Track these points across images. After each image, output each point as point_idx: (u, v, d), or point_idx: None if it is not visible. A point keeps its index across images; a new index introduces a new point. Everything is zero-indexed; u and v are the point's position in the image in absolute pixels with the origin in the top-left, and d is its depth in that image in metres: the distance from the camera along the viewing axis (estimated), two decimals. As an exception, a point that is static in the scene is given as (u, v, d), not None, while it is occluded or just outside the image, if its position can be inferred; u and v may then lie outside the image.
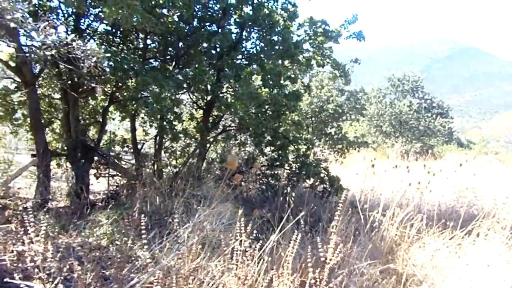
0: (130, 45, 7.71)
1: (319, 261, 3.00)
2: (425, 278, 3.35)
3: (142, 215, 3.29)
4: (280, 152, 7.20)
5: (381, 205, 4.68)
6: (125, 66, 5.75)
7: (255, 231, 3.10)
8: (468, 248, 3.76)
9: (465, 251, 3.71)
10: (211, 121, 7.61)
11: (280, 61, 7.50)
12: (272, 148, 7.42)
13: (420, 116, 27.67)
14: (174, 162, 7.55)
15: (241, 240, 2.73)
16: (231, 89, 6.83)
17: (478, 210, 6.18)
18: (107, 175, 7.81)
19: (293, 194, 3.95)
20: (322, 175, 6.63)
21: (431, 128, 27.28)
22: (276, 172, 7.32)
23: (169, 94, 5.17)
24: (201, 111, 7.71)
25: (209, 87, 6.79)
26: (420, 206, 5.75)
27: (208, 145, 7.22)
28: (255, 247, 2.76)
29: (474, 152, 33.45)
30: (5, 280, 3.07)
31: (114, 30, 7.28)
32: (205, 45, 7.37)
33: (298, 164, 6.71)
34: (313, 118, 17.09)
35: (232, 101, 6.18)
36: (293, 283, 2.58)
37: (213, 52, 7.31)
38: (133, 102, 5.86)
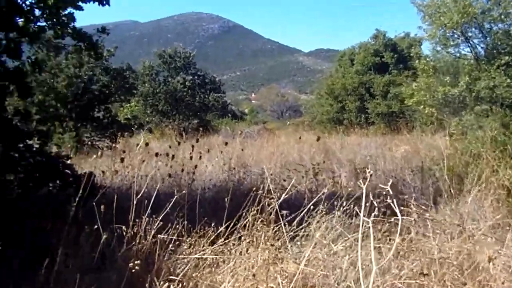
0: None
1: None
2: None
3: None
4: (8, 150, 5.39)
5: (132, 205, 3.62)
6: None
7: None
8: (234, 251, 3.09)
9: (231, 256, 3.03)
10: None
11: None
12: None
13: (194, 92, 27.99)
14: None
15: None
16: None
17: (247, 189, 5.86)
18: None
19: None
20: (64, 175, 5.20)
21: (206, 104, 27.94)
22: (6, 178, 5.49)
23: None
24: None
25: None
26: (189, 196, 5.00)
27: None
28: None
29: (246, 123, 36.33)
30: None
31: None
32: None
33: (30, 166, 5.09)
34: (75, 102, 14.93)
35: None
36: None
37: None
38: None
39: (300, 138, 11.02)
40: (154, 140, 18.54)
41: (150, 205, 3.59)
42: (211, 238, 3.34)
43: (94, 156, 7.93)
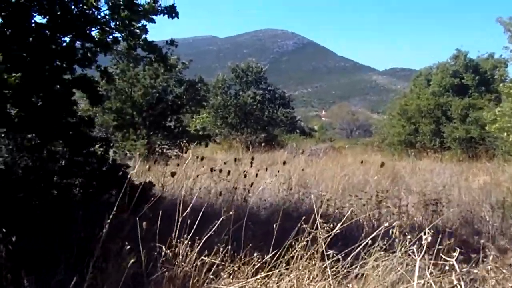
0: None
1: None
2: None
3: None
4: (75, 155, 5.55)
5: (176, 225, 3.46)
6: None
7: None
8: (276, 286, 2.81)
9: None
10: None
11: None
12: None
13: (264, 107, 28.17)
14: None
15: None
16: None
17: (304, 211, 5.56)
18: None
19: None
20: (121, 184, 5.25)
21: (274, 118, 28.00)
22: (71, 181, 5.66)
23: None
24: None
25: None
26: (239, 216, 4.81)
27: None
28: None
29: (314, 140, 35.78)
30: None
31: None
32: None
33: (92, 172, 5.19)
34: (150, 111, 15.53)
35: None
36: None
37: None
38: None
39: (362, 162, 10.35)
40: (222, 152, 18.80)
41: (196, 224, 3.44)
42: (256, 267, 3.09)
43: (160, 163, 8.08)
